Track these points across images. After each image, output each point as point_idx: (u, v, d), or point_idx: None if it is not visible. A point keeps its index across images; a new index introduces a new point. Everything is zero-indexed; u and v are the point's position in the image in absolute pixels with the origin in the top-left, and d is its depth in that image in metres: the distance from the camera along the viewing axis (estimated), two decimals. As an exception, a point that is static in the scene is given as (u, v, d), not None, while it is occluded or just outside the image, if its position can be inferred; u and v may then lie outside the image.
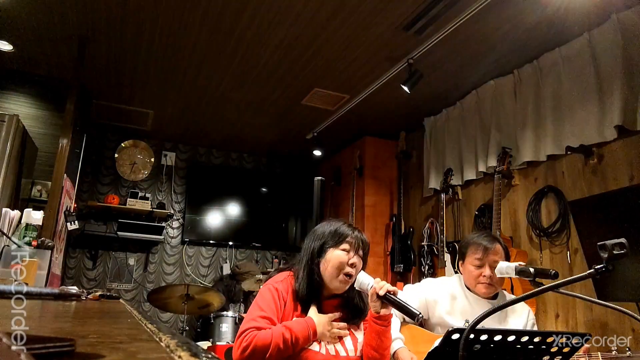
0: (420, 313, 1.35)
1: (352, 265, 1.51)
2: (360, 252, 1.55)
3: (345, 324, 1.54)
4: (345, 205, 5.02)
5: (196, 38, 3.27)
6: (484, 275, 1.84)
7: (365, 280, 1.47)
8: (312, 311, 1.49)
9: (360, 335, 1.56)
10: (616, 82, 2.72)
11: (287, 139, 5.35)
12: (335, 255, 1.51)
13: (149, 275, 5.18)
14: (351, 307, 1.57)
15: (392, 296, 1.41)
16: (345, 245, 1.52)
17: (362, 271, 1.52)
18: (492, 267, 1.84)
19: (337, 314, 1.52)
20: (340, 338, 1.52)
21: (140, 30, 3.22)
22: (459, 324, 1.84)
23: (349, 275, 1.50)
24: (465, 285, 1.94)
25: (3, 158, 3.08)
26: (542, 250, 3.16)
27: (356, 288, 1.51)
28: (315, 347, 1.46)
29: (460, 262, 1.98)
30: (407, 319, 1.94)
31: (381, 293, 1.42)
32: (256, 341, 1.34)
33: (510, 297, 2.00)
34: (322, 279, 1.53)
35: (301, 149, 5.52)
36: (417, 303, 1.94)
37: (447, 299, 1.92)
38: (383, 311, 1.46)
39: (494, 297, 1.91)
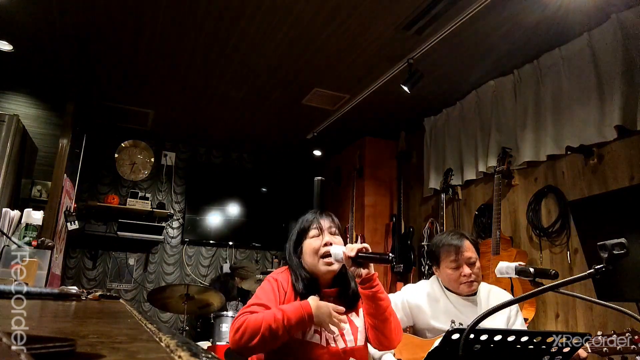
0: (391, 255, 1.38)
1: (327, 244, 1.52)
2: (332, 229, 1.57)
3: (345, 316, 1.54)
4: (345, 205, 5.01)
5: (196, 38, 3.27)
6: (464, 275, 1.83)
7: (337, 251, 1.48)
8: (312, 298, 1.47)
9: (359, 323, 1.56)
10: (616, 82, 2.72)
11: (287, 139, 5.35)
12: (307, 244, 1.55)
13: (149, 275, 5.18)
14: (347, 294, 1.57)
15: (363, 254, 1.43)
16: (313, 232, 1.56)
17: (332, 245, 1.52)
18: (469, 264, 1.84)
19: (339, 308, 1.48)
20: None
21: (140, 30, 3.22)
22: (445, 325, 1.83)
23: (327, 254, 1.51)
24: (445, 287, 1.93)
25: (3, 158, 3.08)
26: (542, 250, 3.16)
27: (334, 261, 1.51)
28: (316, 339, 1.46)
29: (434, 268, 1.95)
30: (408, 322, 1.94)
31: (352, 254, 1.43)
32: (247, 322, 1.33)
33: (487, 287, 1.98)
34: (311, 272, 1.54)
35: (301, 149, 5.52)
36: (401, 311, 1.93)
37: (429, 302, 1.91)
38: (364, 272, 1.45)
39: (474, 292, 1.90)
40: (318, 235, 1.55)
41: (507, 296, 1.93)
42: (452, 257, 1.85)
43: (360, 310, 1.60)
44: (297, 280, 1.53)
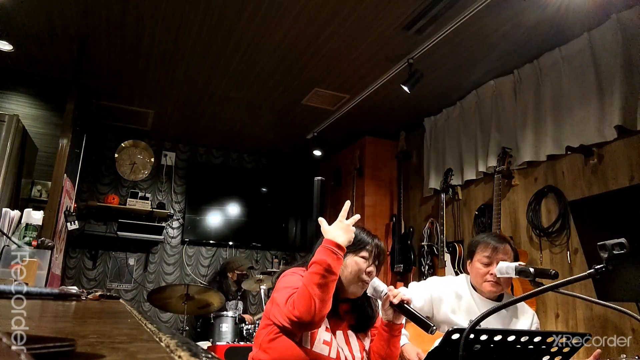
0: (434, 325, 1.33)
1: (369, 274, 1.49)
2: (377, 261, 1.54)
3: (354, 335, 1.52)
4: (345, 205, 5.01)
5: (196, 38, 3.27)
6: (491, 274, 1.84)
7: (379, 287, 1.46)
8: (324, 226, 1.46)
9: (367, 343, 1.55)
10: (616, 82, 2.72)
11: (287, 139, 5.35)
12: (353, 262, 1.49)
13: (149, 275, 5.18)
14: (360, 314, 1.55)
15: (406, 306, 1.40)
16: (364, 253, 1.50)
17: (375, 277, 1.51)
18: None
19: (353, 219, 1.49)
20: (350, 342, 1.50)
21: (140, 30, 3.22)
22: (464, 323, 1.84)
23: (365, 282, 1.49)
24: (472, 285, 1.94)
25: (3, 158, 3.08)
26: (542, 250, 3.16)
27: (368, 294, 1.49)
28: (324, 350, 1.43)
29: (468, 261, 1.98)
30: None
31: (395, 302, 1.40)
32: (295, 300, 1.30)
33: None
34: (340, 283, 1.50)
35: (301, 149, 5.52)
36: (422, 300, 1.93)
37: (452, 297, 1.92)
38: (397, 320, 1.45)
39: (499, 298, 1.91)
40: (367, 259, 1.51)
41: (530, 313, 1.93)
42: (486, 253, 1.87)
43: (369, 332, 1.59)
44: None
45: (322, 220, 1.48)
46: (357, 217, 1.49)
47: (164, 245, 5.30)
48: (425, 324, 1.33)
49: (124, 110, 4.64)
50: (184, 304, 3.65)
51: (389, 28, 3.05)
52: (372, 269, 1.51)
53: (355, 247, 1.51)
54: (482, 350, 1.08)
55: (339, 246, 1.37)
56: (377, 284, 1.47)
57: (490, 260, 1.86)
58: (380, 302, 1.50)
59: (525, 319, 1.90)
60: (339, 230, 1.42)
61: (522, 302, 1.97)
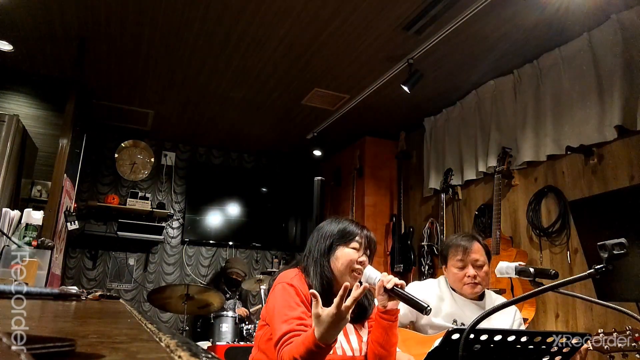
0: (428, 305, 1.34)
1: (361, 263, 1.52)
2: (368, 251, 1.57)
3: (352, 326, 1.52)
4: (345, 205, 5.01)
5: (196, 38, 3.27)
6: (468, 276, 1.85)
7: (373, 275, 1.47)
8: (319, 312, 1.23)
9: (365, 335, 1.56)
10: (616, 82, 2.72)
11: (287, 139, 5.35)
12: (345, 253, 1.52)
13: (149, 275, 5.18)
14: (357, 305, 1.57)
15: (399, 289, 1.42)
16: (354, 244, 1.54)
17: (369, 265, 1.53)
18: (475, 266, 1.86)
19: (351, 298, 1.23)
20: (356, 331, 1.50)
21: (140, 30, 3.22)
22: (448, 324, 1.85)
23: (358, 272, 1.52)
24: (451, 287, 1.95)
25: (3, 158, 3.08)
26: (542, 250, 3.16)
27: (363, 282, 1.50)
28: None
29: (443, 267, 1.99)
30: (401, 319, 1.94)
31: (389, 286, 1.42)
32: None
33: (495, 296, 2.01)
34: (333, 275, 1.53)
35: (301, 149, 5.52)
36: (405, 307, 1.93)
37: (434, 300, 1.92)
38: (390, 305, 1.46)
39: (480, 297, 1.92)
40: (358, 250, 1.53)
41: (513, 308, 1.94)
42: (458, 257, 1.87)
43: (366, 324, 1.60)
44: (315, 279, 1.51)
45: (315, 295, 1.23)
46: (359, 291, 1.24)
47: (164, 245, 5.30)
48: (419, 305, 1.35)
49: (124, 110, 4.64)
50: (184, 304, 3.65)
51: (389, 28, 3.05)
52: (363, 258, 1.54)
53: (344, 239, 1.54)
54: (482, 350, 1.08)
55: (328, 348, 1.22)
56: (370, 272, 1.49)
57: (464, 263, 1.87)
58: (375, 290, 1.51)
59: (506, 314, 1.89)
60: (332, 328, 1.20)
61: (501, 297, 1.99)
